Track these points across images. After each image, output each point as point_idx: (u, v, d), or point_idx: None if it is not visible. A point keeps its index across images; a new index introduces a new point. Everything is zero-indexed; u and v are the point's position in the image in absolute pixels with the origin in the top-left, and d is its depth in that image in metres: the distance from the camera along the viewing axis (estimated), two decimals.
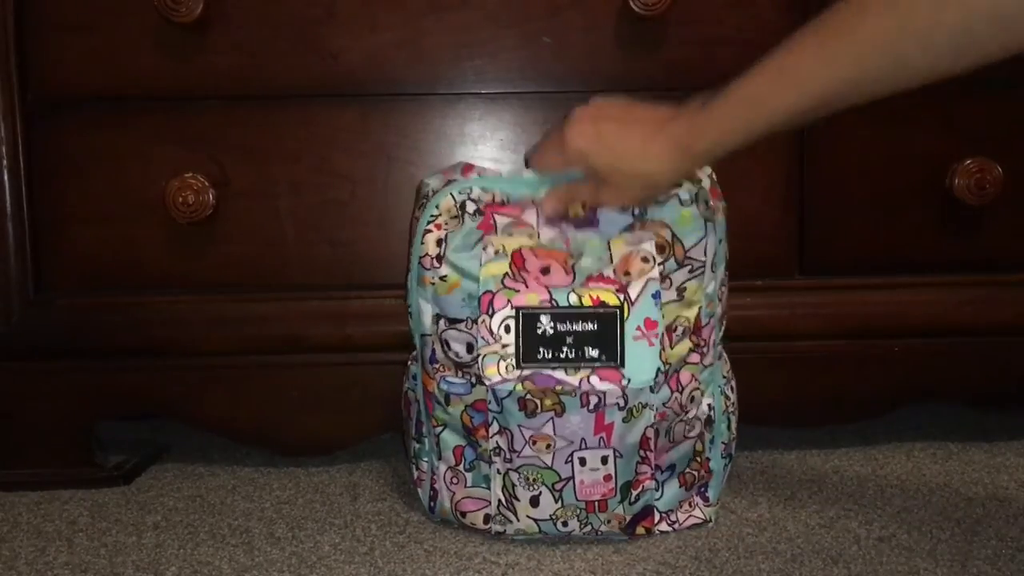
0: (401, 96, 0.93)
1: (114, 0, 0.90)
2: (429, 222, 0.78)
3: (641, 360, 0.73)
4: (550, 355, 0.73)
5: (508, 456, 0.75)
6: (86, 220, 0.93)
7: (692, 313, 0.77)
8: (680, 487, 0.80)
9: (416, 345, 0.82)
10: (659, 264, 0.75)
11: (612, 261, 0.75)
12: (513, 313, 0.73)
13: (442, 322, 0.77)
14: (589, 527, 0.77)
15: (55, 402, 0.93)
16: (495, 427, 0.75)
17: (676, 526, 0.80)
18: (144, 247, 0.93)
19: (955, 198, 0.94)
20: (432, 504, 0.82)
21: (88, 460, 0.94)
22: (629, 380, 0.73)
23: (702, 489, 0.81)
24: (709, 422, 0.80)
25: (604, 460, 0.74)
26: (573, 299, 0.73)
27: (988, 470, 0.93)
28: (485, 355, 0.74)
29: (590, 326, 0.73)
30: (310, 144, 0.93)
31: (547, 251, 0.76)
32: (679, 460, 0.79)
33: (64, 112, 0.92)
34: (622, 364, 0.73)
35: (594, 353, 0.73)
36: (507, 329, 0.73)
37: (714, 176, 0.81)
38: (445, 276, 0.77)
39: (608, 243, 0.77)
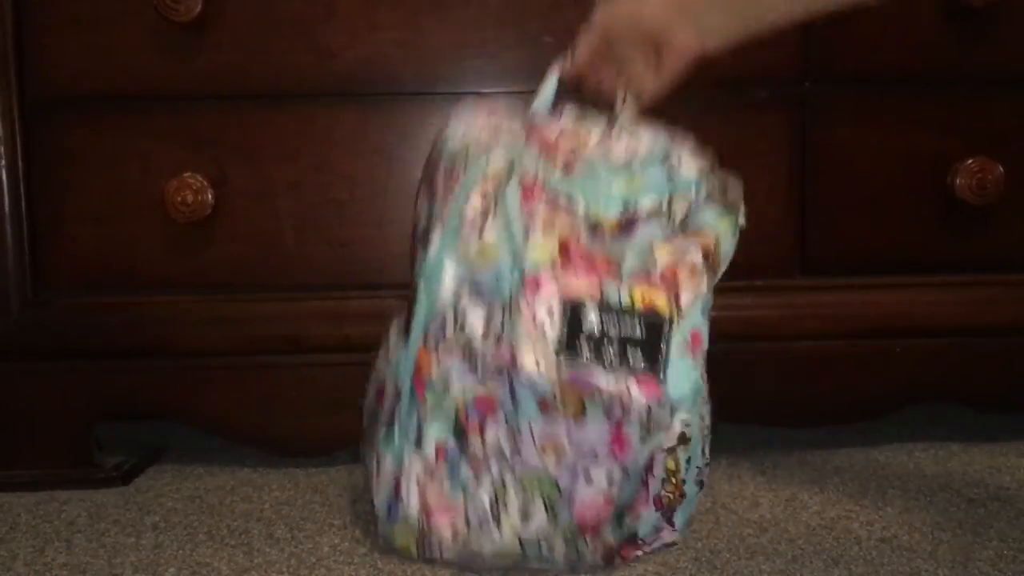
0: (401, 96, 0.93)
1: (113, 0, 0.90)
2: (477, 179, 0.71)
3: (683, 375, 0.68)
4: (592, 354, 0.67)
5: (510, 460, 0.69)
6: (85, 220, 0.92)
7: None
8: (656, 511, 0.74)
9: (419, 317, 0.71)
10: (705, 274, 0.70)
11: (657, 265, 0.70)
12: (559, 302, 0.68)
13: (466, 293, 0.70)
14: (575, 554, 0.71)
15: (55, 402, 0.93)
16: (501, 426, 0.69)
17: (645, 549, 0.75)
18: (143, 247, 0.93)
19: (956, 198, 0.94)
20: (391, 508, 0.71)
21: (87, 460, 0.94)
22: (667, 395, 0.68)
23: (668, 515, 0.75)
24: (684, 439, 0.74)
25: (610, 479, 0.69)
26: (624, 297, 0.68)
27: (989, 471, 0.93)
28: (521, 343, 0.67)
29: (637, 331, 0.68)
30: (309, 144, 0.93)
31: (590, 250, 0.71)
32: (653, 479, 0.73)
33: (64, 112, 0.92)
34: (663, 377, 0.68)
35: (638, 361, 0.68)
36: (550, 317, 0.67)
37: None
38: (484, 245, 0.69)
39: (651, 245, 0.71)
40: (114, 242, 0.93)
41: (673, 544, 0.76)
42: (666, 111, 0.92)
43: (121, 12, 0.90)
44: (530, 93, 0.92)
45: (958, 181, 0.93)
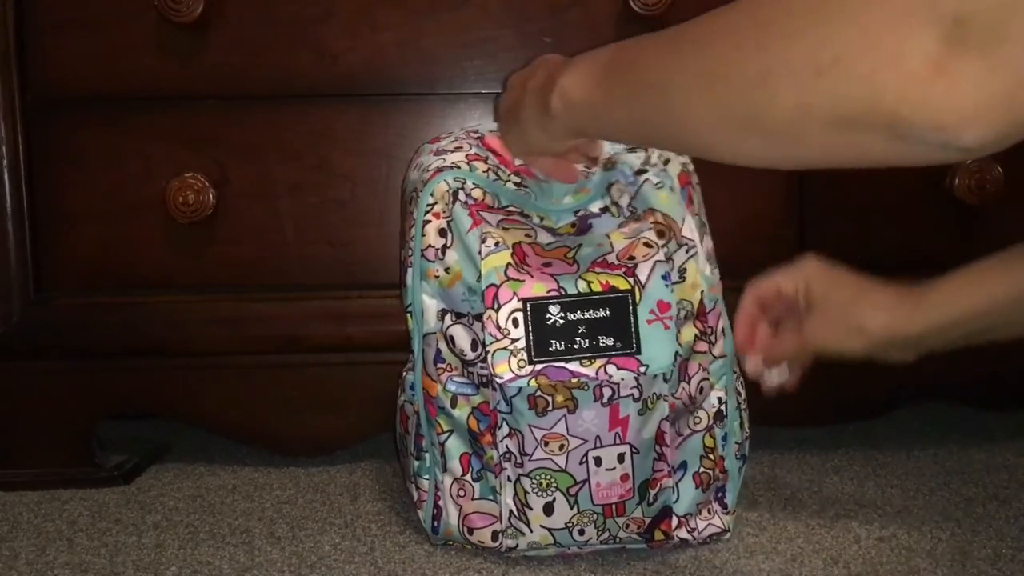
0: (401, 96, 0.93)
1: (114, 0, 0.90)
2: (426, 211, 0.75)
3: (658, 344, 0.70)
4: (563, 346, 0.69)
5: (519, 460, 0.71)
6: (86, 219, 0.93)
7: (695, 296, 0.74)
8: (696, 488, 0.75)
9: (415, 349, 0.77)
10: (662, 248, 0.72)
11: (613, 249, 0.73)
12: (520, 305, 0.70)
13: (448, 317, 0.74)
14: (607, 534, 0.73)
15: (55, 402, 0.93)
16: (504, 430, 0.71)
17: (695, 534, 0.76)
18: (144, 247, 0.93)
19: (955, 198, 0.94)
20: (436, 524, 0.76)
21: (88, 460, 0.94)
22: (647, 367, 0.69)
23: (719, 494, 0.78)
24: (719, 416, 0.76)
25: (620, 458, 0.71)
26: (582, 286, 0.70)
27: (988, 470, 0.93)
28: (494, 352, 0.70)
29: (602, 313, 0.70)
30: (310, 144, 0.93)
31: (545, 249, 0.73)
32: (690, 456, 0.75)
33: (64, 111, 0.92)
34: (638, 350, 0.69)
35: (608, 341, 0.69)
36: (515, 323, 0.70)
37: (690, 166, 0.79)
38: (449, 268, 0.74)
39: (607, 235, 0.74)
40: (115, 242, 0.93)
41: (725, 533, 0.78)
42: None
43: (123, 13, 0.90)
44: None
45: (957, 181, 0.93)
